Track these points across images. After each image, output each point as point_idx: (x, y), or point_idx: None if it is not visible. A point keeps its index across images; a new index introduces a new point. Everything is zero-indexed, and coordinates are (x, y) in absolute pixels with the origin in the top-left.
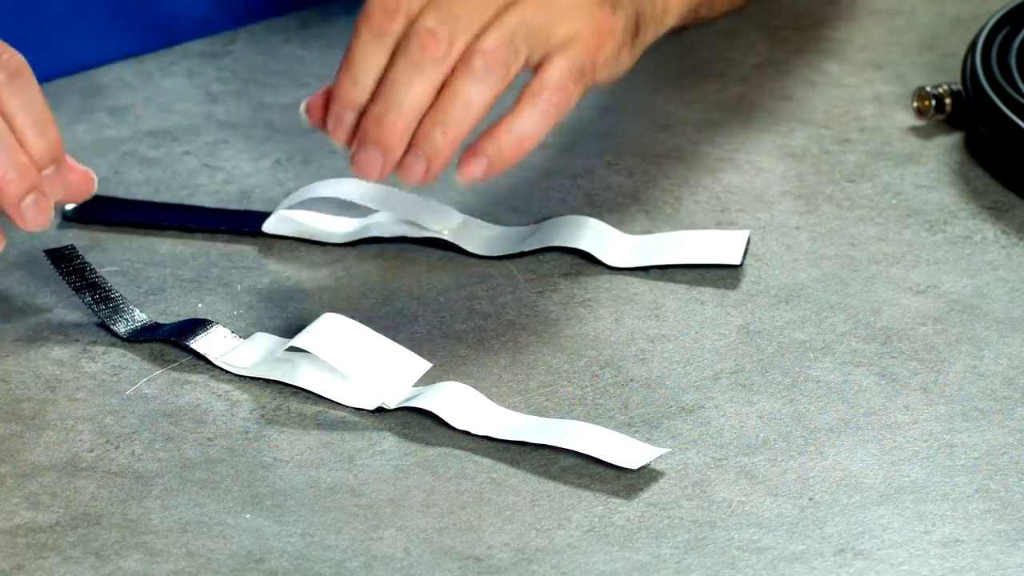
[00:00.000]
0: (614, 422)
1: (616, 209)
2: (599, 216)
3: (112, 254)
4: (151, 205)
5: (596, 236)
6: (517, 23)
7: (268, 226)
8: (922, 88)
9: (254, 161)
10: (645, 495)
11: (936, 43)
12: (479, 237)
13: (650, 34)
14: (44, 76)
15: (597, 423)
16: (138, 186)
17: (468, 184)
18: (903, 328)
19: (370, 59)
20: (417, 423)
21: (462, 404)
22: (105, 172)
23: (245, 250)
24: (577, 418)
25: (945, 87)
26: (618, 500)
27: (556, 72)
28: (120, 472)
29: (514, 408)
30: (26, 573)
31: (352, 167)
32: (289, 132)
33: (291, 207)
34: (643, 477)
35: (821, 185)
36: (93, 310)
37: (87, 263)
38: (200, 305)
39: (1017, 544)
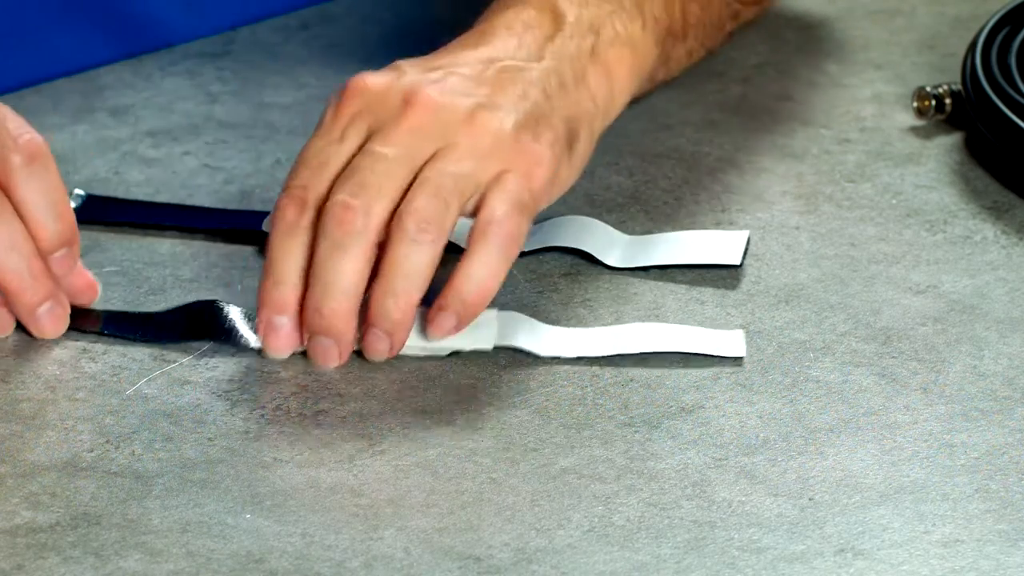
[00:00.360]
0: (614, 422)
1: (616, 209)
2: (599, 216)
3: (112, 254)
4: (151, 205)
5: (596, 236)
6: (438, 176)
7: (267, 224)
8: (922, 88)
9: (254, 161)
10: (645, 495)
11: (936, 43)
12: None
13: (597, 128)
14: (44, 76)
15: (597, 423)
16: (138, 186)
17: (442, 338)
18: (903, 328)
19: (289, 256)
20: (417, 423)
21: (536, 332)
22: (105, 172)
23: (245, 250)
24: (577, 417)
25: (945, 87)
26: (618, 500)
27: (498, 208)
28: (120, 472)
29: (513, 406)
30: (26, 573)
31: (309, 358)
32: (289, 132)
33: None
34: (643, 477)
35: (821, 185)
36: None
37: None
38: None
39: (1017, 544)
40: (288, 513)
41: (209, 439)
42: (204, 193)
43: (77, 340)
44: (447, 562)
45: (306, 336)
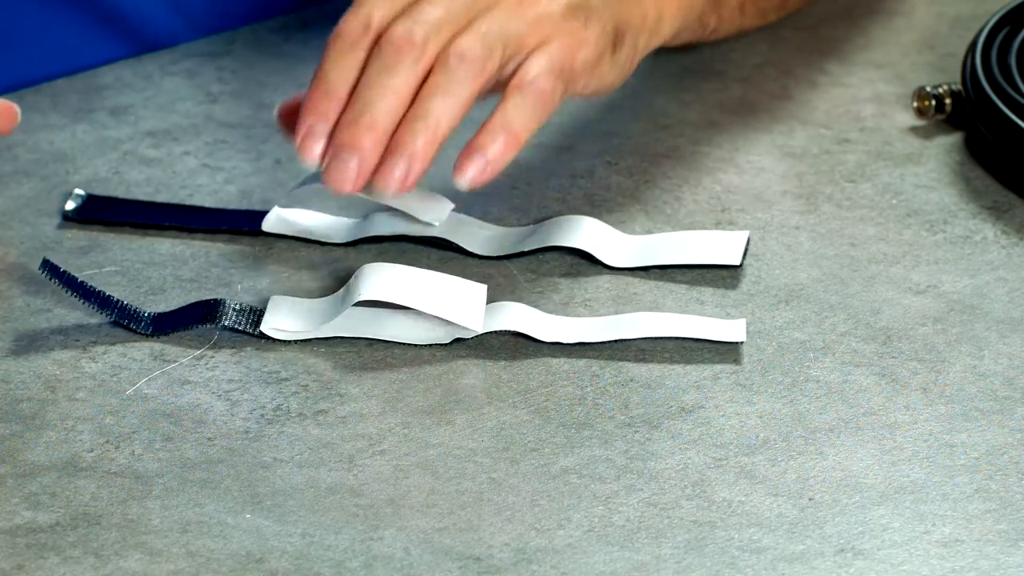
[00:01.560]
0: (614, 422)
1: (616, 209)
2: (599, 216)
3: (112, 254)
4: (151, 205)
5: (596, 236)
6: (488, 27)
7: (268, 224)
8: (922, 88)
9: (254, 161)
10: (645, 495)
11: (936, 43)
12: (479, 237)
13: (641, 44)
14: (44, 76)
15: (597, 423)
16: (138, 186)
17: (467, 186)
18: (903, 328)
19: (344, 70)
20: (417, 423)
21: (537, 319)
22: (105, 172)
23: (245, 250)
24: (577, 417)
25: (945, 87)
26: (618, 500)
27: (536, 66)
28: (120, 472)
29: (514, 403)
30: (26, 573)
31: (324, 179)
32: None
33: (290, 204)
34: (643, 477)
35: (821, 185)
36: (106, 312)
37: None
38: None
39: (1017, 544)
40: (288, 513)
41: (209, 439)
42: (204, 193)
43: (77, 340)
44: (447, 562)
45: (330, 154)
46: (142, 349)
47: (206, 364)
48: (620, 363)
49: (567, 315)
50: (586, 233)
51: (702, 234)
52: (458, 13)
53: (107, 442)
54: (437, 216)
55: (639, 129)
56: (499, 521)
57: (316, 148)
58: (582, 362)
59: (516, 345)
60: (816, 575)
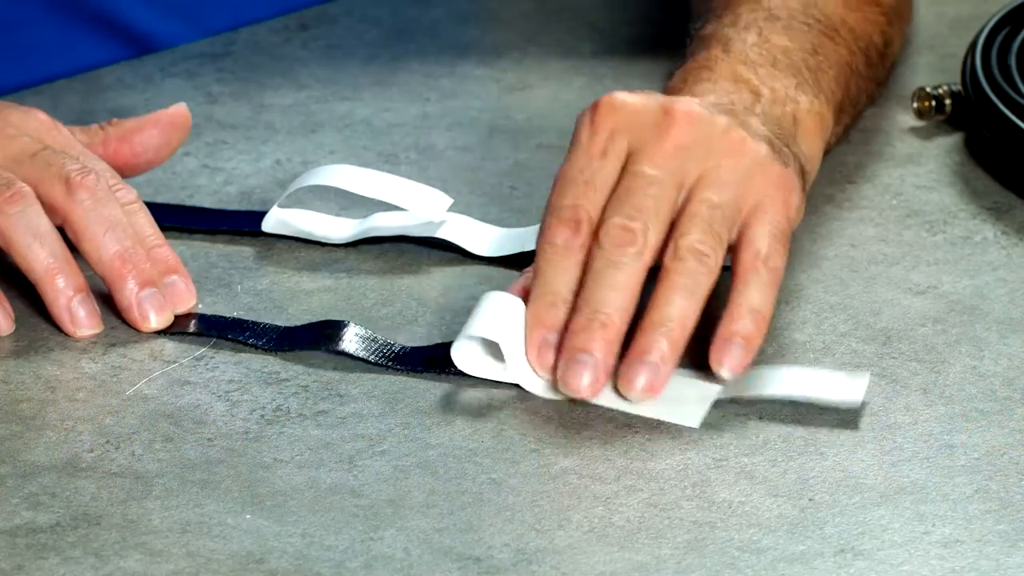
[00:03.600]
0: (614, 422)
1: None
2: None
3: None
4: (151, 205)
5: None
6: (709, 210)
7: (267, 224)
8: (922, 88)
9: (254, 161)
10: (645, 495)
11: (936, 43)
12: (479, 237)
13: (812, 172)
14: (44, 77)
15: (597, 423)
16: (138, 186)
17: (729, 376)
18: (903, 328)
19: (564, 274)
20: (417, 423)
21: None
22: None
23: (245, 250)
24: (577, 417)
25: (945, 87)
26: (618, 500)
27: (763, 243)
28: (120, 472)
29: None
30: (26, 573)
31: (560, 384)
32: (289, 132)
33: (288, 204)
34: (643, 477)
35: (821, 185)
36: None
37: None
38: (200, 306)
39: (1017, 544)
40: (288, 513)
41: (209, 439)
42: (204, 193)
43: (77, 340)
44: (447, 562)
45: (563, 360)
46: (142, 349)
47: (206, 364)
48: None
49: None
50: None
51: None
52: (670, 181)
53: (107, 442)
54: (437, 211)
55: None
56: (499, 521)
57: (548, 358)
58: None
59: None
60: (816, 575)
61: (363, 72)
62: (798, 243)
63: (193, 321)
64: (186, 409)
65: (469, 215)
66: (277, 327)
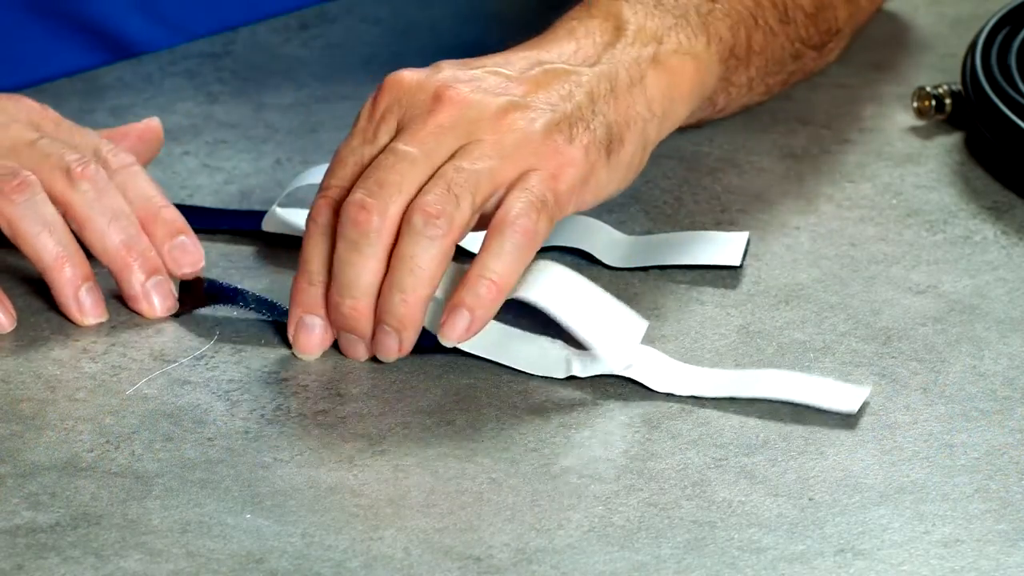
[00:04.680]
0: (614, 422)
1: (616, 209)
2: (599, 216)
3: None
4: None
5: (596, 236)
6: (454, 172)
7: (267, 224)
8: (922, 88)
9: (254, 161)
10: (645, 495)
11: (936, 43)
12: (479, 237)
13: (652, 135)
14: (44, 77)
15: (597, 423)
16: None
17: (454, 343)
18: (903, 328)
19: (320, 254)
20: (417, 423)
21: (657, 367)
22: None
23: (245, 250)
24: (577, 417)
25: (945, 87)
26: (618, 500)
27: (513, 207)
28: (120, 472)
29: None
30: (26, 573)
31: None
32: (289, 132)
33: (288, 204)
34: (643, 477)
35: (821, 185)
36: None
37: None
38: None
39: (1017, 544)
40: (288, 513)
41: (209, 439)
42: (204, 193)
43: (77, 340)
44: (447, 562)
45: (334, 332)
46: (142, 349)
47: (206, 364)
48: None
49: None
50: (586, 233)
51: (702, 235)
52: (423, 159)
53: (107, 442)
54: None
55: None
56: (499, 521)
57: (310, 340)
58: None
59: None
60: (816, 575)
61: (363, 72)
62: (798, 242)
63: (203, 287)
64: (186, 409)
65: None
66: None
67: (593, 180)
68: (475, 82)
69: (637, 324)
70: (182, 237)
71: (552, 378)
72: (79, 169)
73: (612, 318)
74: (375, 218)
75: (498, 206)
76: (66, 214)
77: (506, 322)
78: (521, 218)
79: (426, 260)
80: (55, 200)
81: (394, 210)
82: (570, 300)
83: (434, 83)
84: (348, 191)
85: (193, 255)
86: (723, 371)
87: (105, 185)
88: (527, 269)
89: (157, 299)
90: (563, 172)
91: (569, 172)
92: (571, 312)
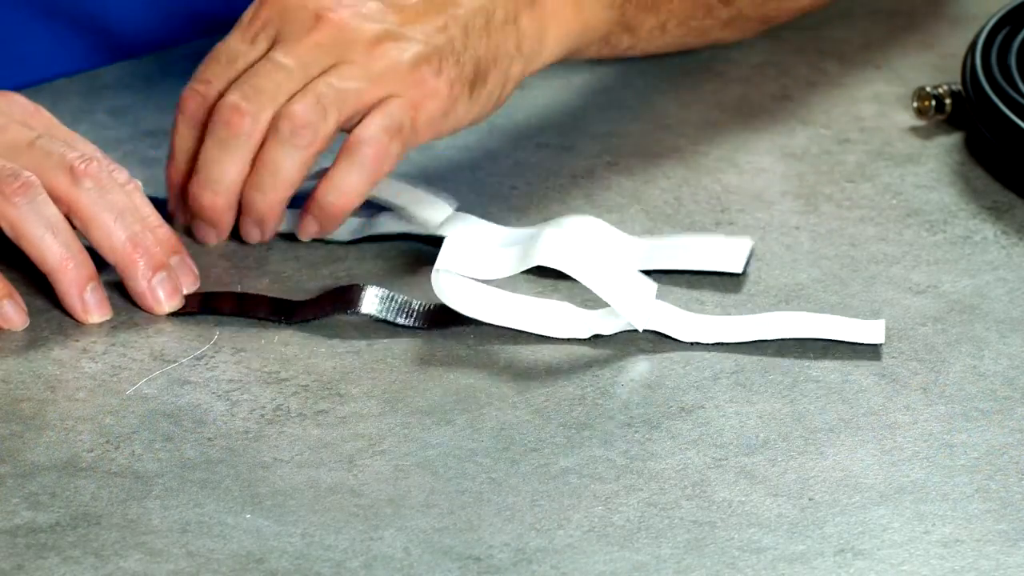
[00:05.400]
0: (614, 422)
1: (616, 209)
2: (599, 216)
3: None
4: (154, 201)
5: (598, 237)
6: (325, 88)
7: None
8: (922, 88)
9: None
10: (645, 495)
11: (936, 43)
12: (484, 236)
13: (515, 72)
14: (44, 77)
15: (597, 423)
16: None
17: (307, 239)
18: (903, 328)
19: (185, 141)
20: (417, 423)
21: (678, 318)
22: None
23: (245, 250)
24: (577, 417)
25: (945, 87)
26: (618, 500)
27: (370, 128)
28: (120, 472)
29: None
30: (26, 573)
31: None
32: None
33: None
34: (643, 476)
35: (821, 185)
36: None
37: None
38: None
39: (1017, 544)
40: (288, 513)
41: (209, 439)
42: None
43: (77, 340)
44: (447, 562)
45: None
46: (142, 349)
47: (206, 364)
48: (620, 363)
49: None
50: (588, 234)
51: (706, 239)
52: (298, 72)
53: (107, 442)
54: (439, 216)
55: (639, 129)
56: (499, 521)
57: (182, 216)
58: (582, 362)
59: (516, 344)
60: (816, 575)
61: None
62: (798, 242)
63: (200, 299)
64: (186, 409)
65: (470, 214)
66: (289, 301)
67: (452, 114)
68: (355, 7)
69: (648, 285)
70: (177, 257)
71: (548, 374)
72: (82, 167)
73: (625, 279)
74: (248, 121)
75: (355, 125)
76: (69, 213)
77: (521, 291)
78: (372, 141)
79: (287, 165)
80: (58, 199)
81: (265, 116)
82: (585, 262)
83: (318, 3)
84: (215, 89)
85: (188, 275)
86: (742, 317)
87: (108, 182)
88: (541, 235)
89: (163, 294)
90: (424, 103)
91: (430, 104)
92: (590, 273)
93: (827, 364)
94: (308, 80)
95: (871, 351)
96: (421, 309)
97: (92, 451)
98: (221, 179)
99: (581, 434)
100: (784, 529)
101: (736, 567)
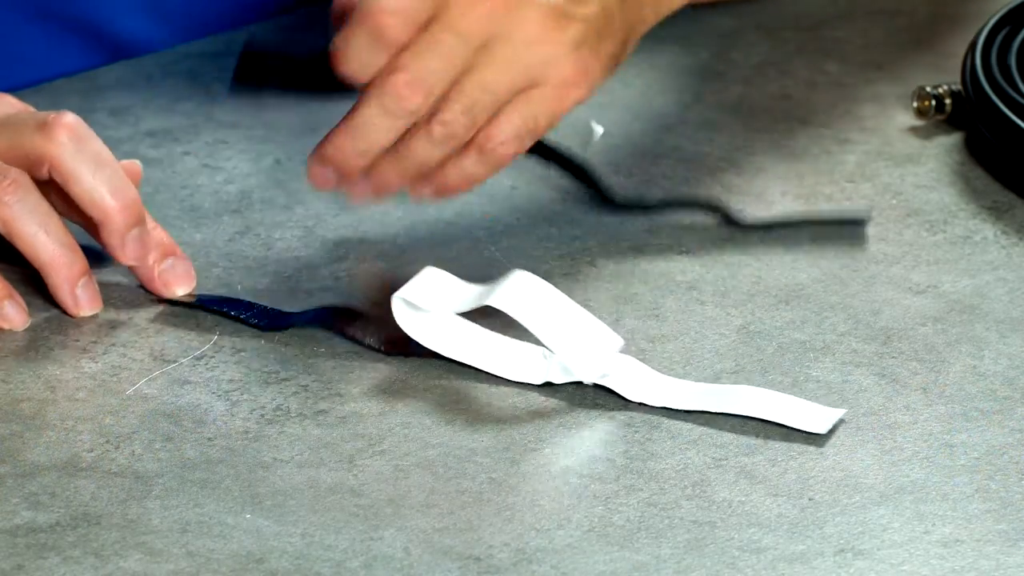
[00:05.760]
0: (614, 422)
1: (616, 209)
2: (599, 216)
3: None
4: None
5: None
6: (479, 93)
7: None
8: (922, 88)
9: (254, 161)
10: (645, 495)
11: (936, 43)
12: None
13: (642, 33)
14: (44, 77)
15: (597, 423)
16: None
17: (416, 200)
18: (903, 328)
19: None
20: (417, 423)
21: (634, 377)
22: None
23: (245, 250)
24: (577, 417)
25: (945, 87)
26: (618, 500)
27: (506, 130)
28: (120, 472)
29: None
30: (26, 573)
31: (308, 178)
32: (289, 132)
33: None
34: (643, 476)
35: (821, 185)
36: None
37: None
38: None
39: (1017, 544)
40: (288, 513)
41: (209, 439)
42: (204, 192)
43: (77, 340)
44: (447, 562)
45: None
46: (142, 349)
47: (206, 364)
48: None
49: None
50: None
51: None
52: (464, 51)
53: (107, 442)
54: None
55: (639, 129)
56: (499, 521)
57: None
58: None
59: None
60: (816, 575)
61: None
62: (798, 242)
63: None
64: (186, 409)
65: (469, 214)
66: (281, 311)
67: (590, 94)
68: None
69: (612, 339)
70: (171, 259)
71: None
72: (55, 119)
73: (585, 330)
74: (420, 99)
75: (490, 120)
76: (51, 170)
77: (487, 327)
78: (511, 143)
79: (428, 162)
80: (37, 158)
81: (433, 99)
82: (542, 310)
83: None
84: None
85: (183, 277)
86: (699, 384)
87: (84, 132)
88: (503, 278)
89: (136, 248)
90: (569, 93)
91: (574, 94)
92: (542, 321)
93: (827, 364)
94: (469, 61)
95: (871, 350)
96: (383, 336)
97: (92, 451)
98: (372, 145)
99: (581, 434)
100: (784, 529)
101: (736, 567)
